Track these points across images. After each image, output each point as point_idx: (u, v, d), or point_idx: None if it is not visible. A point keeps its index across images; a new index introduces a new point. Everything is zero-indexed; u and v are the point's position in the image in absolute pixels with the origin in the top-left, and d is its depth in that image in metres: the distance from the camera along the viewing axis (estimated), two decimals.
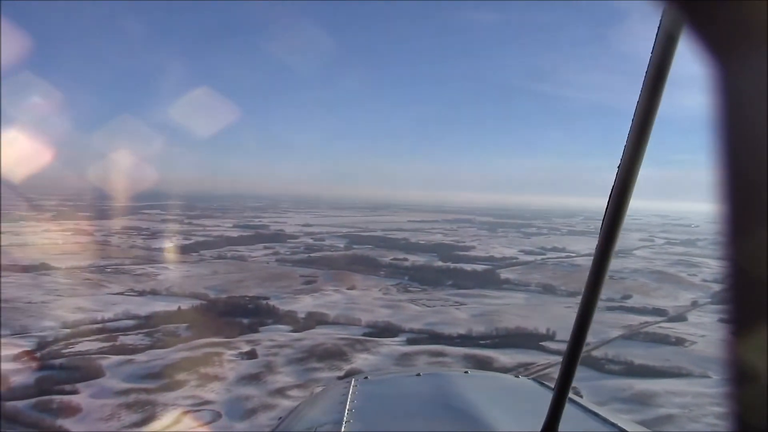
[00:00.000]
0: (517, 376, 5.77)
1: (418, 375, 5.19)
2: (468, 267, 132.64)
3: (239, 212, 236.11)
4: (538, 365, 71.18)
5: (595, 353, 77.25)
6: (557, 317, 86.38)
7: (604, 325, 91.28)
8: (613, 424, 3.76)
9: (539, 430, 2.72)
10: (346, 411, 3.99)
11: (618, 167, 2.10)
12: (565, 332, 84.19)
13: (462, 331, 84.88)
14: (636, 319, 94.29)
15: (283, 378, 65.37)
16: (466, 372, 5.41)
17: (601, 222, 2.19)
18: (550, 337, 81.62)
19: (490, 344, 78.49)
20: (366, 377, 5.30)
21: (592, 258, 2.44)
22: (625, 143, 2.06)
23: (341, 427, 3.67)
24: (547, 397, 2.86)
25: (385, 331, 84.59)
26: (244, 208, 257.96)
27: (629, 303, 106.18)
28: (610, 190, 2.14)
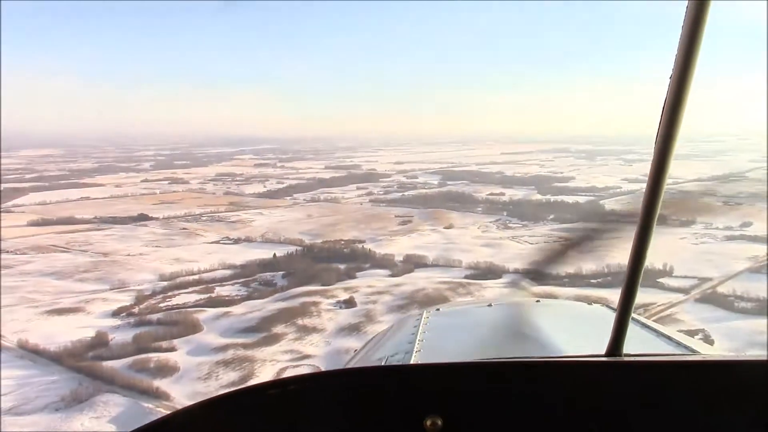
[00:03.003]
0: (590, 304, 5.49)
1: (489, 305, 5.11)
2: (569, 199, 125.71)
3: (331, 153, 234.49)
4: (658, 305, 65.24)
5: (721, 289, 70.68)
6: (672, 251, 79.53)
7: (726, 257, 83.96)
8: (678, 342, 3.78)
9: (604, 352, 2.74)
10: (417, 341, 4.03)
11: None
12: (682, 266, 77.65)
13: (570, 269, 79.21)
14: (761, 250, 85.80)
15: (383, 328, 62.15)
16: (537, 301, 5.36)
17: (655, 135, 2.23)
18: (668, 272, 74.99)
19: (602, 283, 72.26)
20: (438, 309, 5.23)
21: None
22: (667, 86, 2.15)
23: (411, 357, 3.73)
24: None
25: (488, 272, 79.91)
26: (336, 148, 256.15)
27: (750, 231, 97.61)
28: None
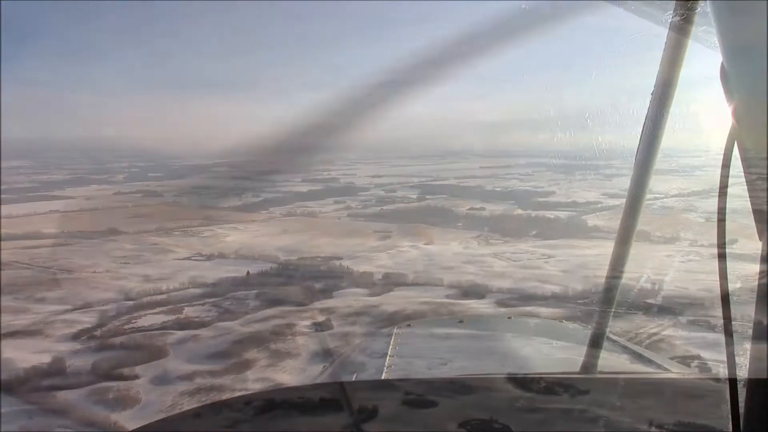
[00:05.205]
0: (561, 322, 5.58)
1: (461, 322, 5.15)
2: (551, 214, 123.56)
3: (308, 166, 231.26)
4: (649, 328, 62.43)
5: (713, 312, 68.20)
6: (659, 268, 77.02)
7: (715, 276, 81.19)
8: (650, 360, 3.81)
9: (578, 369, 2.67)
10: (388, 357, 3.98)
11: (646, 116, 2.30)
12: (671, 286, 75.20)
13: (556, 289, 76.55)
14: (749, 269, 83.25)
15: None
16: (509, 318, 5.66)
17: (634, 155, 2.31)
18: (656, 293, 72.23)
19: (590, 304, 69.69)
20: (409, 324, 5.14)
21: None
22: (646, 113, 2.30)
23: (383, 373, 3.60)
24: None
25: (471, 291, 76.98)
26: (313, 161, 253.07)
27: (736, 249, 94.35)
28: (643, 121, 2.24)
